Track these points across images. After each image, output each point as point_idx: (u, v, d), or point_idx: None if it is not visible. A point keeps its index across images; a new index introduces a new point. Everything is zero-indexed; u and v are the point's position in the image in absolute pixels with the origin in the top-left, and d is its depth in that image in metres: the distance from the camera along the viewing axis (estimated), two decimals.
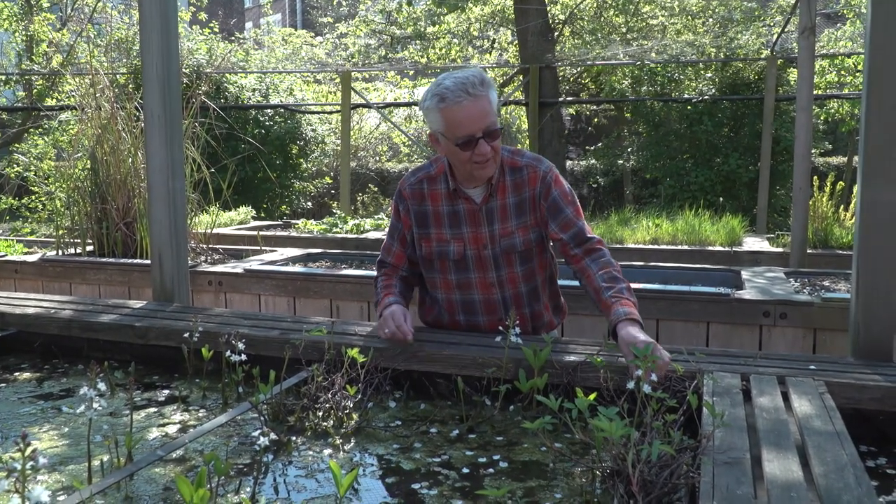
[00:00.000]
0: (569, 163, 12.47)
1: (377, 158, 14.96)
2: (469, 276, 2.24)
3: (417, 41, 11.36)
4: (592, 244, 2.15)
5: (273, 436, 1.39)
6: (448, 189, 2.20)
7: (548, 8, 10.51)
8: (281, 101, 11.52)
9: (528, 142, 10.51)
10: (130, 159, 4.99)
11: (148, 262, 4.33)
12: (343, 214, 7.53)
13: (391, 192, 12.96)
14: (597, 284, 2.06)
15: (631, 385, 1.56)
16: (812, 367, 1.91)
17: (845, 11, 11.16)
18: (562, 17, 11.22)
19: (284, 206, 11.63)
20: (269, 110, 11.19)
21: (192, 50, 11.04)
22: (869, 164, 1.95)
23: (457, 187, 2.19)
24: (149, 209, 2.95)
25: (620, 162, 11.83)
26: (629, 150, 11.44)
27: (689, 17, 11.35)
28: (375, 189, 13.66)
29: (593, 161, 12.64)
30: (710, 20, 11.35)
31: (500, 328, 2.00)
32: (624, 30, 11.22)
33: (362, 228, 6.70)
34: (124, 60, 10.80)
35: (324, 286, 4.11)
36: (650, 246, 5.51)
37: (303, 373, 2.00)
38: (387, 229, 2.39)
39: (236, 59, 12.55)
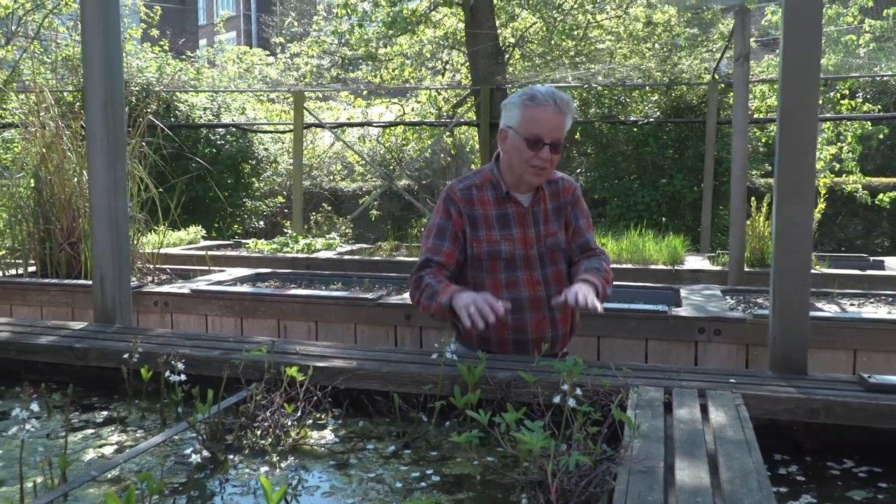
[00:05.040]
0: None
1: (331, 178, 14.95)
2: (517, 275, 2.39)
3: (370, 62, 11.45)
4: (594, 252, 2.50)
5: (206, 453, 1.42)
6: (497, 194, 2.42)
7: (498, 31, 10.71)
8: (233, 120, 11.47)
9: (479, 162, 10.64)
10: (76, 178, 4.93)
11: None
12: (294, 234, 7.53)
13: (345, 211, 12.95)
14: (580, 269, 2.40)
15: (557, 399, 1.63)
16: (732, 380, 2.01)
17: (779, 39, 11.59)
18: (512, 40, 11.44)
19: (236, 226, 11.53)
20: (220, 129, 11.12)
21: (141, 68, 10.93)
22: (782, 187, 2.07)
23: (508, 191, 2.40)
24: (91, 229, 2.94)
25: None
26: (578, 170, 11.68)
27: (636, 42, 11.67)
28: (329, 208, 13.64)
29: None
30: (656, 45, 11.69)
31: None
32: (572, 53, 11.49)
33: (314, 248, 6.70)
34: (71, 78, 10.64)
35: (271, 306, 4.12)
36: None
37: (242, 392, 2.03)
38: (430, 233, 2.45)
39: (187, 78, 12.45)
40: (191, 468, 1.61)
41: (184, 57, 13.93)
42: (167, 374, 1.94)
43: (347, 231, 10.81)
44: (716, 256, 6.21)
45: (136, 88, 9.94)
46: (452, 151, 13.39)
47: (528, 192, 2.42)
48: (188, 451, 1.41)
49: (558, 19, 10.72)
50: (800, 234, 2.04)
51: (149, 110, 5.33)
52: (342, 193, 14.33)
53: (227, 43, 19.82)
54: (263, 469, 1.67)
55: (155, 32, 13.46)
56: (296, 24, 15.55)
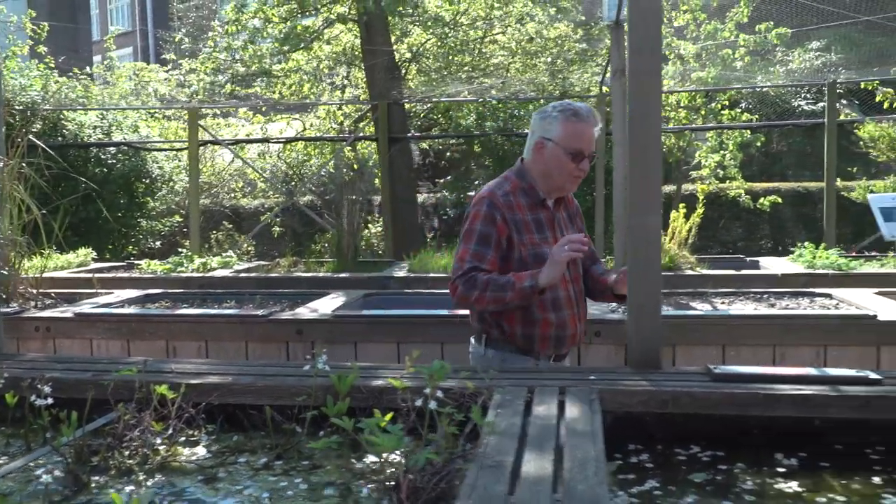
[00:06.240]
0: (421, 196, 12.76)
1: (231, 195, 14.67)
2: None
3: (265, 78, 11.35)
4: (596, 259, 2.81)
5: (58, 472, 1.42)
6: (531, 200, 2.59)
7: (394, 47, 10.83)
8: (124, 139, 11.11)
9: (380, 175, 10.70)
10: None
11: None
12: (189, 253, 7.35)
13: (246, 229, 12.71)
14: (596, 275, 2.74)
15: (420, 402, 1.70)
16: (592, 377, 2.13)
17: (667, 52, 12.19)
18: (409, 55, 11.59)
19: (131, 247, 11.15)
20: (111, 148, 10.76)
21: (24, 86, 10.45)
22: (633, 195, 2.22)
23: (545, 197, 2.60)
24: None
25: (471, 193, 12.26)
26: (476, 181, 11.92)
27: (528, 57, 12.03)
28: (230, 226, 13.38)
29: (445, 193, 13.02)
30: (549, 59, 12.09)
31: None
32: (468, 68, 11.74)
33: (209, 266, 6.57)
34: None
35: (159, 327, 4.04)
36: None
37: (112, 413, 2.00)
38: (470, 238, 2.52)
39: (75, 96, 11.97)
40: (51, 492, 1.59)
41: (72, 74, 13.39)
42: (33, 398, 1.90)
43: (250, 249, 10.63)
44: (606, 262, 6.47)
45: (20, 107, 9.50)
46: (355, 166, 13.40)
47: (552, 199, 2.63)
48: (39, 472, 1.40)
49: (450, 35, 10.94)
50: (649, 245, 2.19)
51: (33, 130, 5.14)
52: (243, 211, 14.08)
53: (123, 59, 19.16)
54: (129, 488, 1.67)
55: (42, 49, 12.89)
56: (187, 40, 15.20)
